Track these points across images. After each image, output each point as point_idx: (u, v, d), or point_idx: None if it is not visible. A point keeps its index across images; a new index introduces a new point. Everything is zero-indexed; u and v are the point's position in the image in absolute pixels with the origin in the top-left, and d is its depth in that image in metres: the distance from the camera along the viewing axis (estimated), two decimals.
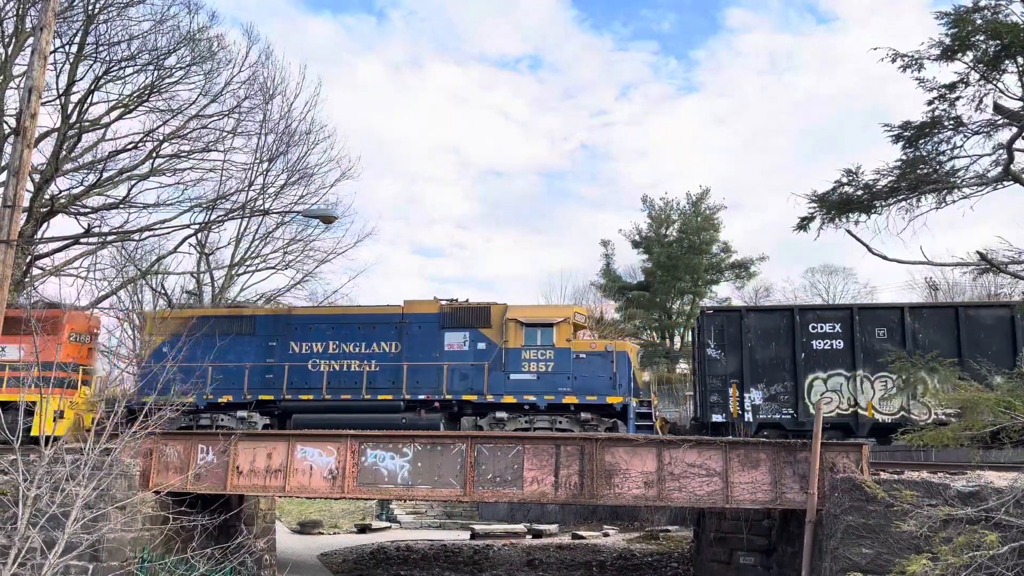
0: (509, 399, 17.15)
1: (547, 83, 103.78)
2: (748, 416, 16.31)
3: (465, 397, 17.19)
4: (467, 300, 18.61)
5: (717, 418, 16.58)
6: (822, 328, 16.46)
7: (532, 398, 17.01)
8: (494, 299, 18.55)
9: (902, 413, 15.84)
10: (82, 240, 26.01)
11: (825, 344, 16.31)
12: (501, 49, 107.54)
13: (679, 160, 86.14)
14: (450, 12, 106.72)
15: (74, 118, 25.37)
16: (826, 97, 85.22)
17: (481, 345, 17.56)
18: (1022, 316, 15.49)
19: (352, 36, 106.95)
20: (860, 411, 16.06)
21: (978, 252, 13.03)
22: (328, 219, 17.36)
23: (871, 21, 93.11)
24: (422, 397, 17.44)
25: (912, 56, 12.57)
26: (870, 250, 13.06)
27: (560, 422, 16.99)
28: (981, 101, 12.63)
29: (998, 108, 12.53)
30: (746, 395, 16.47)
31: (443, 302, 18.57)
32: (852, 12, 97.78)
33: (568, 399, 16.96)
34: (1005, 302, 17.03)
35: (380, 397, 17.45)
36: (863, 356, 16.06)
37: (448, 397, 17.24)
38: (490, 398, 17.16)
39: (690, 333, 30.10)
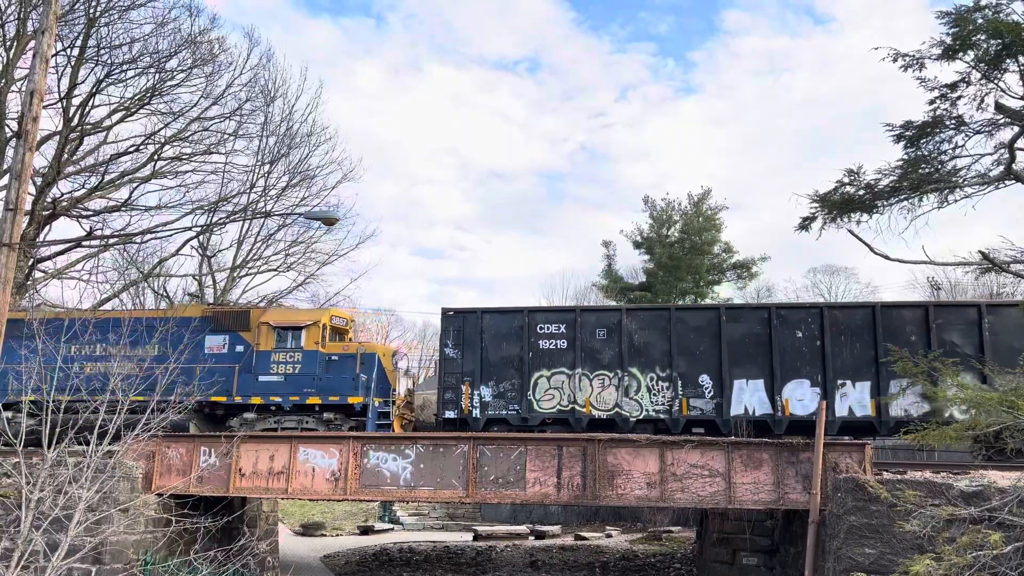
0: (257, 400, 17.54)
1: (546, 85, 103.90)
2: (476, 412, 16.99)
3: (214, 399, 17.17)
4: (233, 304, 18.77)
5: (450, 414, 17.16)
6: (549, 329, 17.16)
7: (278, 399, 17.46)
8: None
9: (616, 410, 16.53)
10: (84, 243, 26.06)
11: (551, 344, 17.01)
12: (500, 51, 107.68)
13: (678, 161, 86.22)
14: (448, 15, 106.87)
15: (76, 121, 25.42)
16: (824, 98, 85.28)
17: (239, 348, 17.95)
18: None
19: (351, 39, 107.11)
20: (578, 407, 16.71)
21: (980, 251, 13.04)
22: (330, 221, 17.41)
23: (868, 23, 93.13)
24: (171, 398, 17.54)
25: (913, 56, 12.58)
26: (872, 250, 13.09)
27: (307, 421, 17.48)
28: (983, 100, 12.66)
29: (1000, 107, 12.53)
30: (476, 392, 17.05)
31: (207, 306, 19.16)
32: (849, 14, 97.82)
33: (312, 400, 17.42)
34: (710, 304, 17.71)
35: (133, 398, 17.31)
36: (583, 355, 16.79)
37: (199, 398, 17.16)
38: (239, 399, 17.55)
39: None
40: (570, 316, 17.32)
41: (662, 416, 16.41)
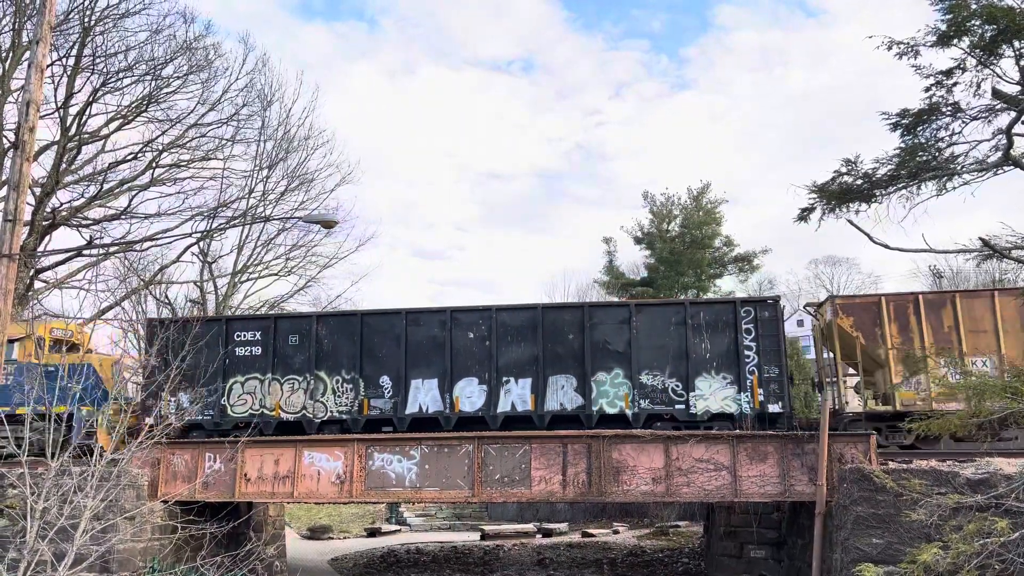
0: None
1: (541, 85, 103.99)
2: (173, 418, 17.15)
3: None
4: None
5: (149, 420, 17.24)
6: (245, 336, 17.66)
7: None
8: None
9: (303, 412, 16.99)
10: (84, 252, 26.06)
11: (246, 351, 17.51)
12: (494, 52, 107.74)
13: (675, 157, 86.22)
14: (441, 17, 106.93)
15: (73, 130, 25.42)
16: (818, 91, 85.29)
17: None
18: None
19: (345, 43, 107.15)
20: (267, 411, 17.11)
21: (981, 238, 12.99)
22: (329, 224, 17.38)
23: (860, 14, 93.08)
24: None
25: (908, 43, 12.54)
26: (871, 239, 13.04)
27: (20, 431, 17.27)
28: (979, 86, 12.60)
29: (996, 93, 12.49)
30: (174, 398, 17.19)
31: None
32: (841, 5, 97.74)
33: (21, 410, 16.86)
34: (393, 309, 18.08)
35: None
36: (276, 361, 17.27)
37: None
38: None
39: None
40: (266, 323, 17.86)
41: (344, 416, 16.84)
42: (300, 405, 17.02)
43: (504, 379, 16.52)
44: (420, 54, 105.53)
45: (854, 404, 16.53)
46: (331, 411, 16.87)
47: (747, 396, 15.60)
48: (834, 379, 17.70)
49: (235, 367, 17.41)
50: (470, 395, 16.60)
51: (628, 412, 15.81)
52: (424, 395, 16.78)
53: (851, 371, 17.55)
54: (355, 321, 17.41)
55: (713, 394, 15.63)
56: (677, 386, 15.94)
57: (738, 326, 15.96)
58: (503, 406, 16.40)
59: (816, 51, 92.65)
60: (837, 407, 16.88)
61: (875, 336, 16.26)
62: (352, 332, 17.19)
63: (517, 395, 16.45)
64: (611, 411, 15.90)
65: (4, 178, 22.46)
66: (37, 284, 26.00)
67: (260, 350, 17.41)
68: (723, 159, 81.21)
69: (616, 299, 16.42)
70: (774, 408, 15.44)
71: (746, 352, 15.77)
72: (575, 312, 16.87)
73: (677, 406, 15.85)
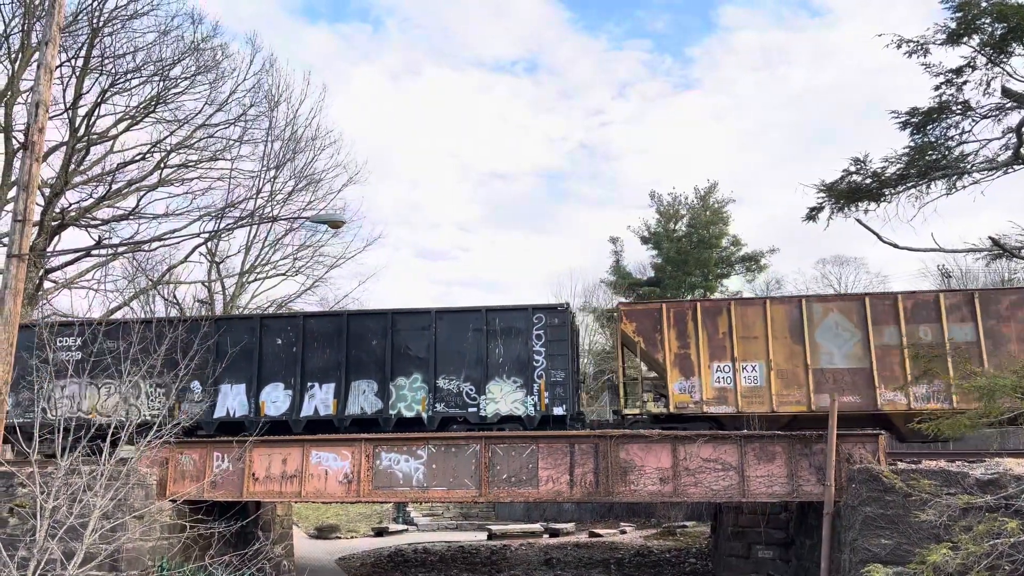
0: None
1: (544, 85, 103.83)
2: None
3: None
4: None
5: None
6: (66, 341, 17.71)
7: None
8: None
9: (115, 416, 17.09)
10: (93, 252, 26.19)
11: (67, 356, 17.45)
12: (496, 53, 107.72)
13: (679, 157, 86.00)
14: (445, 18, 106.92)
15: (82, 131, 25.53)
16: (822, 90, 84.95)
17: None
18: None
19: (349, 45, 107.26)
20: (83, 414, 16.78)
21: (990, 237, 12.94)
22: (336, 224, 17.38)
23: (863, 13, 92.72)
24: None
25: (918, 41, 12.49)
26: (880, 239, 13.02)
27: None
28: (989, 85, 12.57)
29: (1006, 91, 12.44)
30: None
31: None
32: (844, 5, 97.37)
33: None
34: (205, 316, 18.43)
35: None
36: (91, 365, 16.92)
37: None
38: None
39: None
40: (83, 329, 17.35)
41: (155, 421, 16.60)
42: (112, 409, 16.83)
43: (309, 384, 16.95)
44: (423, 55, 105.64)
45: (650, 406, 17.02)
46: (143, 415, 16.63)
47: (534, 399, 16.23)
48: (623, 381, 18.03)
49: (56, 373, 17.04)
50: (276, 400, 17.02)
51: (424, 415, 16.40)
52: (232, 400, 17.13)
53: (654, 374, 18.02)
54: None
55: (504, 397, 16.19)
56: (471, 390, 16.51)
57: (530, 332, 16.57)
58: (306, 410, 16.83)
59: (819, 51, 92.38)
60: (624, 410, 17.28)
61: (655, 341, 16.72)
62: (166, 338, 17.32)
63: (320, 400, 16.88)
64: (408, 414, 16.47)
65: (14, 178, 22.58)
66: (46, 284, 26.13)
67: (80, 355, 17.31)
68: (727, 158, 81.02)
69: (421, 307, 17.03)
70: (558, 410, 16.09)
71: (536, 357, 16.40)
72: (380, 319, 17.19)
73: (470, 409, 16.42)
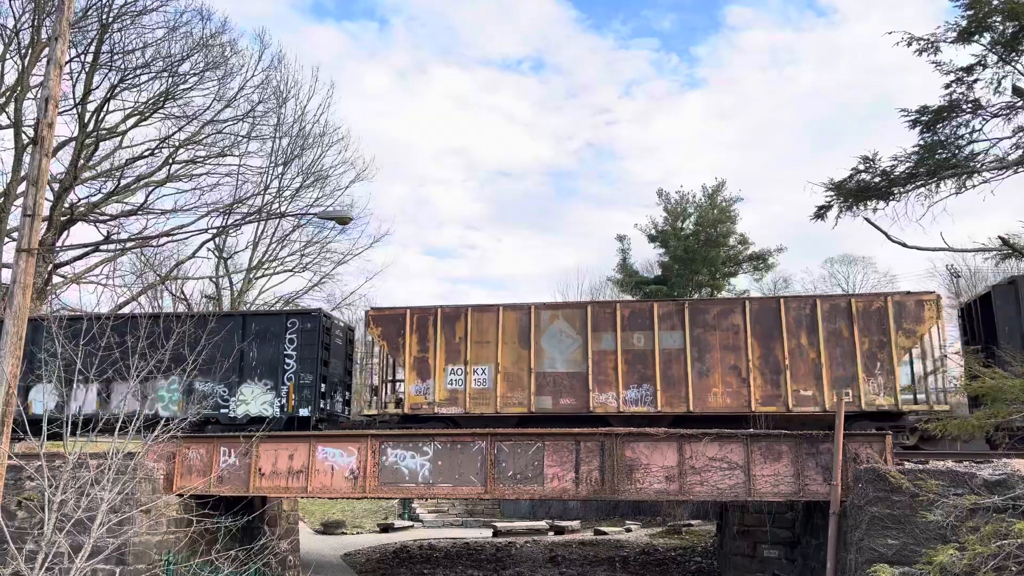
0: None
1: (550, 83, 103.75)
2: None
3: None
4: None
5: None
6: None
7: None
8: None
9: None
10: (102, 247, 26.33)
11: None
12: (503, 52, 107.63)
13: (686, 156, 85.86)
14: (451, 17, 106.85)
15: (91, 127, 25.64)
16: (829, 90, 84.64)
17: None
18: None
19: (356, 43, 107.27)
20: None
21: (1000, 237, 12.86)
22: (343, 220, 17.47)
23: (870, 13, 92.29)
24: None
25: (928, 39, 12.42)
26: (889, 238, 12.96)
27: None
28: (999, 83, 12.48)
29: (1017, 90, 12.36)
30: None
31: None
32: (851, 4, 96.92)
33: None
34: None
35: None
36: None
37: None
38: None
39: None
40: None
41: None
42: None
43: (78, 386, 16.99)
44: (430, 53, 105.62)
45: (390, 407, 17.53)
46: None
47: (282, 401, 16.95)
48: (377, 384, 18.57)
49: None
50: (41, 400, 17.18)
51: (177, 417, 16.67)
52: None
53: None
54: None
55: (254, 399, 16.70)
56: (225, 392, 17.07)
57: (283, 337, 17.07)
58: (72, 410, 16.88)
59: (826, 51, 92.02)
60: (381, 409, 17.81)
61: (398, 345, 17.22)
62: None
63: (87, 402, 16.89)
64: (165, 415, 16.47)
65: (23, 174, 22.67)
66: (55, 279, 26.25)
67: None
68: (735, 157, 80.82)
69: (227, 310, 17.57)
70: (304, 412, 16.77)
71: (287, 360, 17.02)
72: (150, 324, 17.17)
73: (222, 410, 16.95)
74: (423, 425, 16.42)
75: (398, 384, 17.99)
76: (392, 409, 17.04)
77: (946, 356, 16.31)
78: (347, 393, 19.03)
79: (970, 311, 16.75)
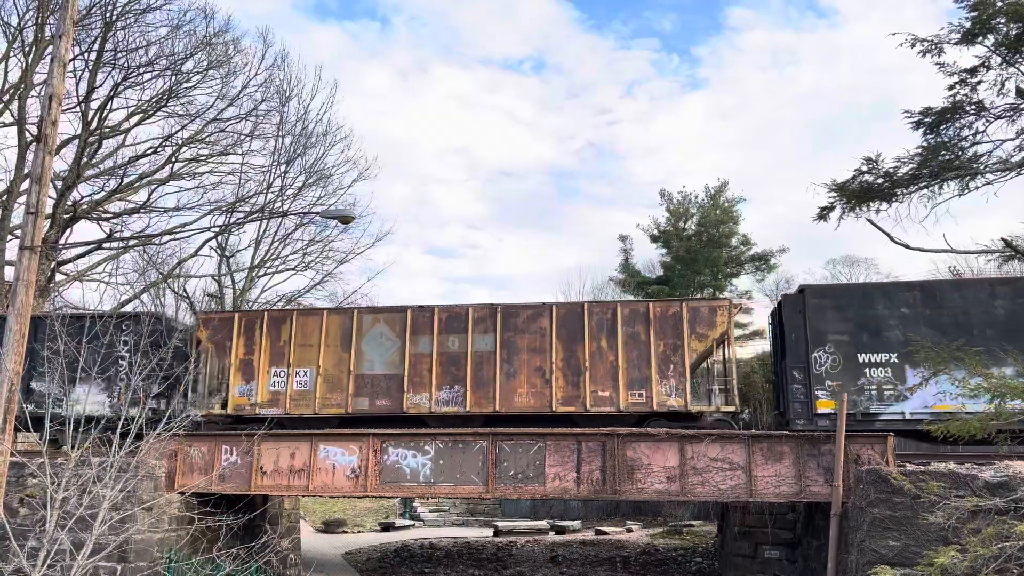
0: None
1: (551, 83, 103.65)
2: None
3: None
4: None
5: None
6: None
7: None
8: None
9: None
10: (104, 245, 26.35)
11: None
12: (504, 52, 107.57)
13: (687, 156, 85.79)
14: (452, 17, 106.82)
15: (94, 124, 25.66)
16: (830, 90, 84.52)
17: None
18: None
19: (358, 43, 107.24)
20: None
21: (1003, 239, 12.85)
22: (346, 219, 17.45)
23: (871, 14, 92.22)
24: None
25: (932, 40, 12.40)
26: (892, 239, 12.95)
27: None
28: (1003, 85, 12.47)
29: (1021, 92, 12.35)
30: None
31: None
32: (852, 5, 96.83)
33: None
34: None
35: None
36: None
37: None
38: None
39: None
40: None
41: None
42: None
43: None
44: (431, 53, 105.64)
45: (216, 408, 17.62)
46: None
47: (113, 401, 17.01)
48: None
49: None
50: None
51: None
52: None
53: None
54: None
55: (88, 400, 16.54)
56: (60, 392, 16.93)
57: (119, 339, 17.06)
58: None
59: (827, 51, 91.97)
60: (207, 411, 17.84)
61: (225, 348, 17.34)
62: None
63: None
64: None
65: (27, 171, 22.70)
66: (58, 276, 26.29)
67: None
68: (736, 157, 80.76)
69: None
70: (133, 411, 16.86)
71: (120, 362, 17.07)
72: None
73: (56, 410, 16.81)
74: (248, 427, 16.43)
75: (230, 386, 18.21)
76: (218, 410, 17.22)
77: (736, 360, 16.94)
78: (191, 394, 18.88)
79: (776, 317, 17.22)
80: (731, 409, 15.83)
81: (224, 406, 17.19)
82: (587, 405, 15.90)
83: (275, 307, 29.87)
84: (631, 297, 39.71)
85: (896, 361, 14.94)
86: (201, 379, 17.56)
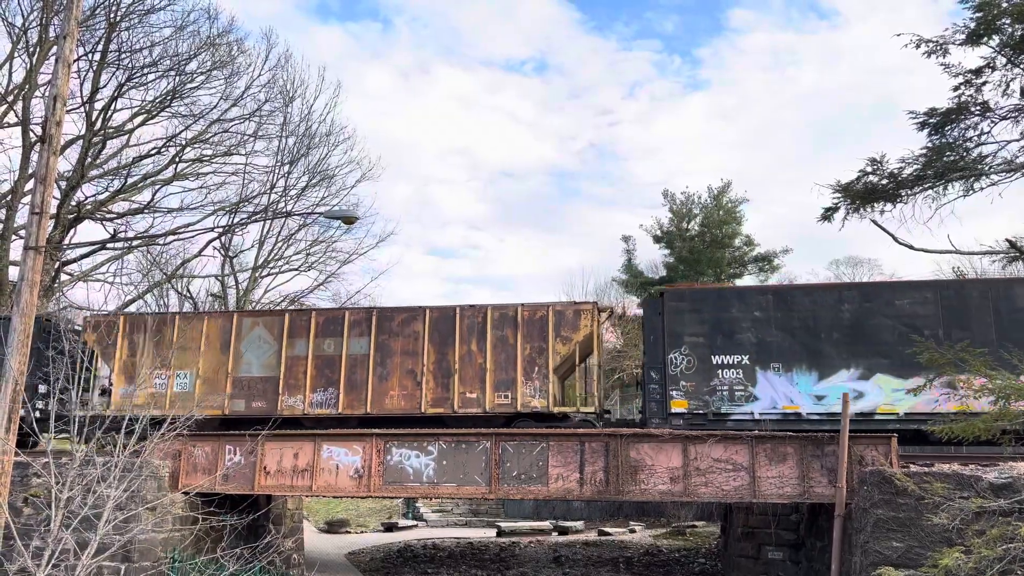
0: None
1: (553, 84, 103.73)
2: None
3: None
4: None
5: None
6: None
7: None
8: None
9: None
10: (108, 245, 26.41)
11: None
12: (506, 53, 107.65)
13: (687, 156, 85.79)
14: (453, 18, 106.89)
15: (98, 125, 25.73)
16: (831, 91, 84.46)
17: None
18: None
19: (360, 44, 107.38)
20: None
21: (1007, 240, 12.82)
22: (349, 220, 17.46)
23: (873, 15, 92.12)
24: None
25: (937, 41, 12.39)
26: (896, 240, 12.93)
27: None
28: (1008, 86, 12.46)
29: None
30: None
31: None
32: (853, 7, 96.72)
33: None
34: None
35: None
36: None
37: None
38: None
39: None
40: None
41: None
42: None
43: None
44: (433, 54, 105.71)
45: (100, 408, 17.71)
46: None
47: None
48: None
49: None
50: None
51: None
52: None
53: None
54: None
55: None
56: None
57: (4, 340, 16.77)
58: None
59: (828, 52, 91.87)
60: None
61: (110, 350, 17.64)
62: None
63: None
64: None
65: (31, 171, 22.75)
66: (62, 276, 26.35)
67: None
68: (737, 158, 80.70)
69: None
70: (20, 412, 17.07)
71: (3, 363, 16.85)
72: None
73: None
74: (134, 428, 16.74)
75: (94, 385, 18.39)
76: (103, 411, 17.23)
77: (600, 364, 17.44)
78: (82, 394, 19.17)
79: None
80: (590, 410, 16.40)
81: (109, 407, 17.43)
82: (455, 406, 16.37)
83: (279, 307, 29.91)
84: (634, 297, 39.72)
85: (748, 363, 15.43)
86: (91, 381, 17.72)
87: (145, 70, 26.01)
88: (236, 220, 28.75)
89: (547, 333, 16.34)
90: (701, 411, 15.09)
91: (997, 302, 14.75)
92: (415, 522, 31.03)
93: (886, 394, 14.92)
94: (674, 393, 15.51)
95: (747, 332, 15.48)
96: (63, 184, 24.72)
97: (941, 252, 13.39)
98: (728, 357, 15.45)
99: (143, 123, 26.97)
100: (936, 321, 14.92)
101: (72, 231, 26.01)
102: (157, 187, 27.83)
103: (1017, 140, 12.45)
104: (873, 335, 15.12)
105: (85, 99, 25.14)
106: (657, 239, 40.96)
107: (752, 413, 15.21)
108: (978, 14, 11.83)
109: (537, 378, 16.24)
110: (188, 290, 31.49)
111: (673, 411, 15.37)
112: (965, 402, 12.10)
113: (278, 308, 17.93)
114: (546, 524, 29.06)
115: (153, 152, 27.37)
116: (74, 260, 26.61)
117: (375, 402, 16.56)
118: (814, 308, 15.39)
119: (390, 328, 16.90)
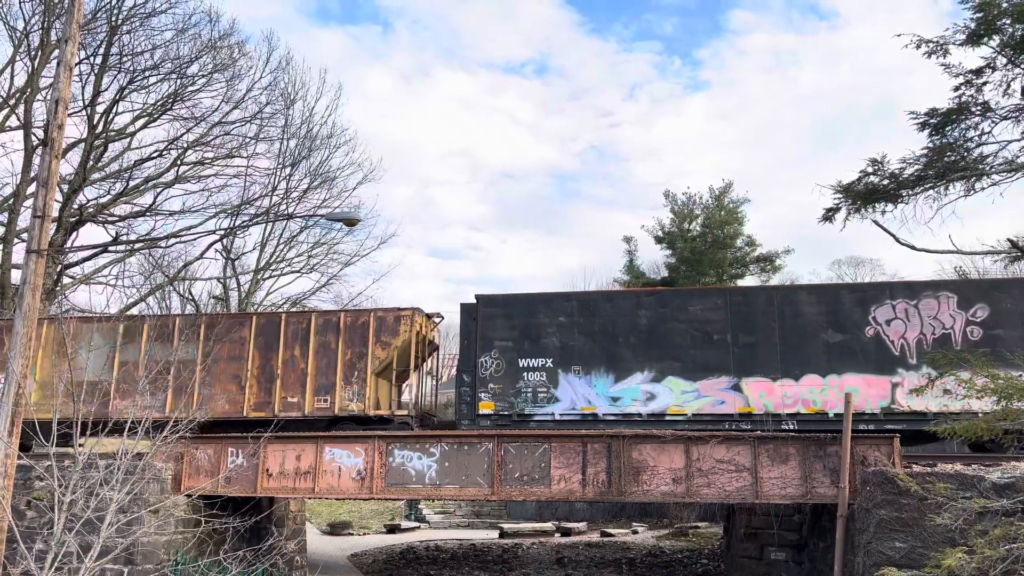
0: None
1: (553, 86, 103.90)
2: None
3: None
4: None
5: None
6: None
7: None
8: None
9: None
10: (110, 248, 26.45)
11: None
12: (506, 55, 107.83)
13: (688, 157, 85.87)
14: (453, 20, 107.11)
15: (100, 128, 25.76)
16: (831, 92, 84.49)
17: None
18: None
19: (360, 46, 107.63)
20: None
21: (1009, 239, 12.82)
22: (351, 222, 17.55)
23: (872, 17, 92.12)
24: None
25: (937, 41, 12.39)
26: (897, 240, 12.93)
27: None
28: (1008, 86, 12.45)
29: None
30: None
31: None
32: (853, 8, 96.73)
33: None
34: None
35: None
36: None
37: None
38: None
39: None
40: None
41: None
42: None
43: None
44: (433, 56, 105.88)
45: None
46: None
47: None
48: None
49: None
50: None
51: None
52: None
53: None
54: None
55: None
56: None
57: None
58: None
59: (828, 53, 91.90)
60: None
61: None
62: None
63: None
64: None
65: (33, 175, 22.79)
66: (65, 279, 26.38)
67: None
68: (737, 159, 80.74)
69: None
70: None
71: None
72: None
73: None
74: None
75: None
76: None
77: (419, 368, 17.92)
78: None
79: None
80: (403, 413, 17.04)
81: None
82: (276, 411, 16.67)
83: (279, 309, 29.95)
84: None
85: (551, 366, 15.98)
86: None
87: (146, 73, 26.04)
88: (238, 222, 28.78)
89: (368, 338, 16.71)
90: (506, 412, 15.68)
91: (782, 307, 15.41)
92: (417, 524, 31.03)
93: (676, 396, 15.50)
94: (483, 395, 16.00)
95: (552, 337, 16.07)
96: (65, 187, 24.74)
97: (943, 252, 13.39)
98: (534, 360, 16.04)
99: (145, 126, 27.00)
100: (725, 326, 15.57)
101: (74, 234, 26.04)
102: (159, 190, 27.85)
103: (1018, 140, 12.45)
104: (667, 339, 15.71)
105: (87, 102, 25.17)
106: (659, 240, 40.95)
107: (553, 414, 15.74)
108: (978, 14, 11.83)
109: (356, 382, 16.63)
110: (190, 292, 31.55)
111: (481, 412, 15.89)
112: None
113: (109, 314, 18.44)
114: (549, 525, 29.06)
115: (155, 155, 27.39)
116: (76, 263, 26.64)
117: (202, 406, 16.88)
118: (614, 314, 15.98)
119: (218, 334, 17.26)
